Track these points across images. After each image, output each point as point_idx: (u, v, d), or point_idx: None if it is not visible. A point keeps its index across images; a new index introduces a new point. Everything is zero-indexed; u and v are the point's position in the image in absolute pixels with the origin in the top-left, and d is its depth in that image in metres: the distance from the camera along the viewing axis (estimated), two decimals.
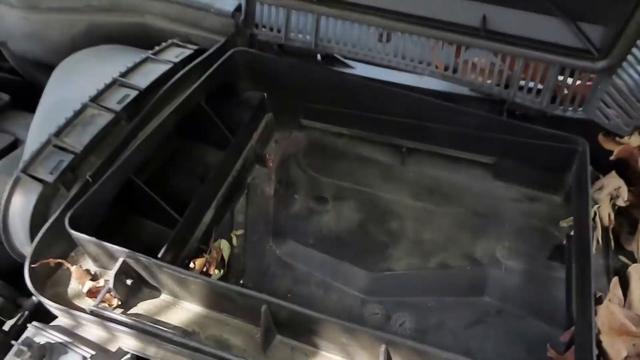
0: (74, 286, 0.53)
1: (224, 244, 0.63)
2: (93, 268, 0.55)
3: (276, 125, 0.75)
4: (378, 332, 0.43)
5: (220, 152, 0.68)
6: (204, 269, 0.59)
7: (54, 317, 0.51)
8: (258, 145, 0.72)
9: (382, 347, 0.45)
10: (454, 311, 0.59)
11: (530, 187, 0.69)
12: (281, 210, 0.67)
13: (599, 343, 0.49)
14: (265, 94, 0.73)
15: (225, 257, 0.62)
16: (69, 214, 0.50)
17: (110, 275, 0.48)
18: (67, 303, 0.51)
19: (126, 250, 0.48)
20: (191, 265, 0.58)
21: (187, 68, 0.66)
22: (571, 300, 0.55)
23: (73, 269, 0.52)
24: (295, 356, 0.49)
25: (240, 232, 0.65)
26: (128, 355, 0.47)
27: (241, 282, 0.60)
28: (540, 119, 0.66)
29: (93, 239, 0.49)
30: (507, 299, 0.60)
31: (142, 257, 0.48)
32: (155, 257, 0.54)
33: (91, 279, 0.52)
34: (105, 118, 0.58)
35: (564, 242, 0.64)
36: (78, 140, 0.56)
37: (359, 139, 0.73)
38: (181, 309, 0.52)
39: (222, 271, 0.60)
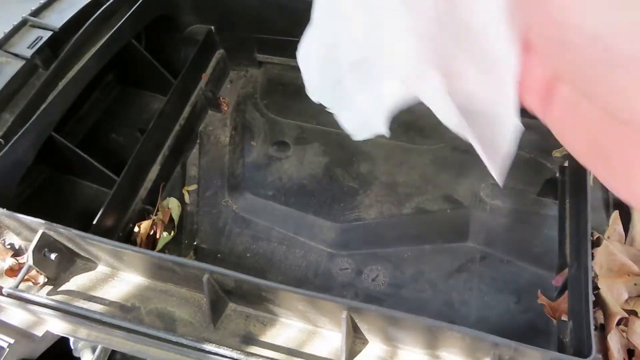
0: None
1: (172, 203, 0.56)
2: (18, 241, 0.48)
3: (229, 63, 0.66)
4: (337, 298, 0.37)
5: (163, 99, 0.59)
6: (151, 232, 0.53)
7: None
8: (209, 88, 0.63)
9: (344, 314, 0.39)
10: (433, 260, 0.53)
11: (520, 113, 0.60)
12: (237, 160, 0.60)
13: (595, 288, 0.44)
14: (213, 27, 0.63)
15: (175, 217, 0.55)
16: None
17: (29, 251, 0.42)
18: None
19: (43, 221, 0.41)
20: (135, 229, 0.52)
21: (112, 0, 0.56)
22: (565, 239, 0.48)
23: None
24: (250, 325, 0.43)
25: (193, 187, 0.58)
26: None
27: (195, 243, 0.54)
28: None
29: (4, 210, 0.42)
30: (492, 243, 0.53)
31: (62, 229, 0.41)
32: (88, 225, 0.47)
33: (14, 255, 0.46)
34: (14, 66, 0.50)
35: (557, 174, 0.57)
36: None
37: None
38: (120, 282, 0.46)
39: (172, 233, 0.53)
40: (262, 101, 0.64)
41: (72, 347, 0.58)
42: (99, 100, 0.61)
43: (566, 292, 0.49)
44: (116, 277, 0.46)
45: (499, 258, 0.53)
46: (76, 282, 0.45)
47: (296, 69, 0.61)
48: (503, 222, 0.54)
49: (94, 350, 0.58)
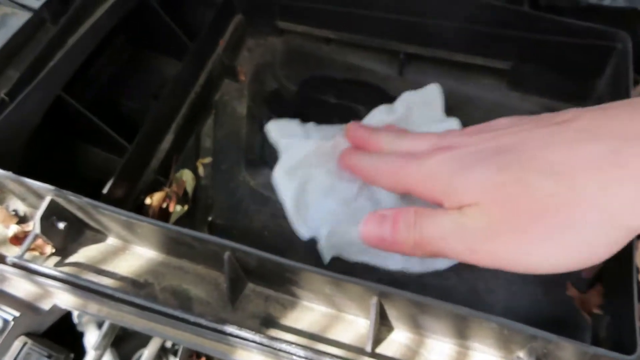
0: (0, 231, 0.44)
1: (187, 175, 0.53)
2: (23, 208, 0.45)
3: (248, 29, 0.62)
4: (369, 283, 0.35)
5: (179, 63, 0.55)
6: (164, 205, 0.50)
7: None
8: (226, 55, 0.59)
9: (374, 300, 0.36)
10: None
11: (552, 98, 0.57)
12: (255, 133, 0.56)
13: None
14: None
15: (189, 190, 0.52)
16: None
17: (36, 218, 0.39)
18: None
19: (52, 187, 0.38)
20: (147, 201, 0.49)
21: None
22: None
23: None
24: (269, 308, 0.41)
25: (207, 160, 0.55)
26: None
27: (209, 218, 0.51)
28: (570, 10, 0.54)
29: (9, 173, 0.38)
30: None
31: (72, 196, 0.38)
32: (98, 194, 0.44)
33: (18, 222, 0.43)
34: (20, 18, 0.46)
35: None
36: None
37: (348, 45, 0.60)
38: (132, 255, 0.43)
39: (185, 207, 0.50)
40: (282, 72, 0.61)
41: (76, 321, 0.56)
42: (109, 62, 0.58)
43: (598, 285, 0.47)
44: (128, 250, 0.43)
45: None
46: (85, 254, 0.43)
47: (319, 39, 0.57)
48: None
49: (99, 325, 0.56)
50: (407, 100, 0.50)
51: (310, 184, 0.39)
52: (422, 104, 0.50)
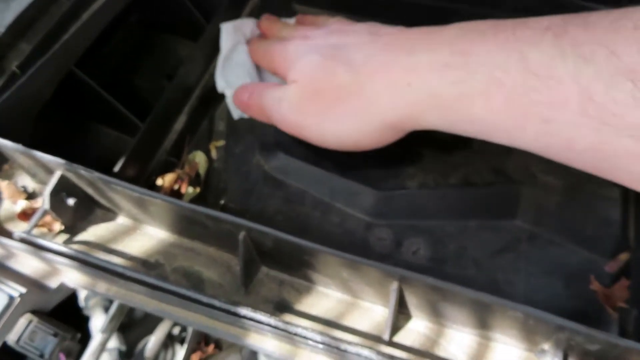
0: (7, 207, 0.42)
1: (199, 157, 0.51)
2: (32, 184, 0.44)
3: (263, 11, 0.61)
4: (390, 267, 0.33)
5: (194, 45, 0.54)
6: (175, 187, 0.48)
7: None
8: None
9: (394, 285, 0.35)
10: (478, 237, 0.48)
11: None
12: None
13: None
14: None
15: (202, 172, 0.51)
16: None
17: (45, 193, 0.38)
18: None
19: (62, 161, 0.37)
20: (159, 182, 0.47)
21: None
22: (628, 221, 0.44)
23: (3, 185, 0.42)
24: (283, 292, 0.39)
25: (220, 143, 0.54)
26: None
27: (222, 202, 0.50)
28: None
29: (18, 146, 0.37)
30: (542, 222, 0.49)
31: (84, 171, 0.36)
32: (108, 174, 0.43)
33: (27, 198, 0.42)
34: None
35: None
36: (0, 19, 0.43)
37: None
38: (143, 235, 0.42)
39: (197, 189, 0.49)
40: None
41: (82, 305, 0.54)
42: (122, 42, 0.56)
43: (622, 279, 0.45)
44: (138, 230, 0.42)
45: (548, 239, 0.49)
46: (94, 233, 0.41)
47: None
48: (555, 201, 0.50)
49: (105, 309, 0.55)
50: None
51: (235, 52, 0.49)
52: None
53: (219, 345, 0.54)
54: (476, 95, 0.30)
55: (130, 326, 0.64)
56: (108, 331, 0.47)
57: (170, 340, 0.63)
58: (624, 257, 0.46)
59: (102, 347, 0.45)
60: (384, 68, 0.34)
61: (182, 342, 0.63)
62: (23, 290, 0.34)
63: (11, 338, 0.34)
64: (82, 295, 0.56)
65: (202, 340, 0.56)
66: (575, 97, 0.25)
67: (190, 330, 0.56)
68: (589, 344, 0.33)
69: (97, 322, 0.54)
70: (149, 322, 0.65)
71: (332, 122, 0.38)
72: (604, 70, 0.24)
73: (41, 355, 0.34)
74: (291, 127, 0.40)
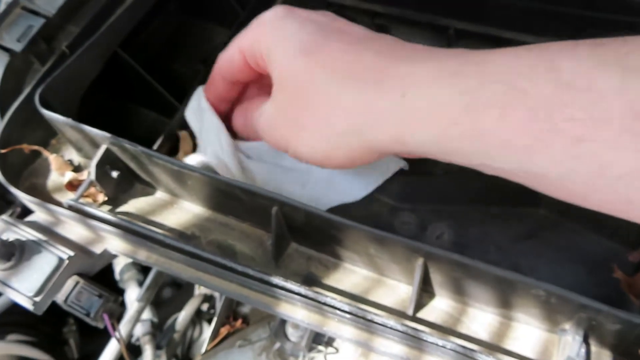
0: (55, 178, 0.45)
1: None
2: (77, 159, 0.46)
3: (296, 1, 0.63)
4: (416, 243, 0.35)
5: (229, 32, 0.56)
6: None
7: None
8: None
9: (420, 261, 0.36)
10: (501, 223, 0.49)
11: None
12: None
13: None
14: None
15: None
16: (39, 90, 0.41)
17: (92, 165, 0.40)
18: (45, 197, 0.43)
19: (109, 135, 0.39)
20: None
21: None
22: None
23: (52, 157, 0.44)
24: (311, 267, 0.41)
25: None
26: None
27: None
28: None
29: (68, 120, 0.40)
30: (566, 210, 0.50)
31: (128, 144, 0.39)
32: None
33: (73, 170, 0.44)
34: None
35: None
36: (51, 2, 0.46)
37: (395, 19, 0.60)
38: (180, 210, 0.44)
39: None
40: None
41: (118, 278, 0.57)
42: (161, 28, 0.59)
43: None
44: (175, 204, 0.44)
45: (571, 228, 0.49)
46: (135, 205, 0.44)
47: (367, 13, 0.57)
48: None
49: (139, 283, 0.57)
50: None
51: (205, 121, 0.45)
52: None
53: (246, 321, 0.57)
54: (489, 107, 0.25)
55: (159, 305, 0.67)
56: (144, 299, 0.49)
57: (197, 318, 0.66)
58: None
59: (139, 315, 0.47)
60: (366, 75, 0.30)
61: (209, 321, 0.66)
62: (71, 253, 0.36)
63: (59, 297, 0.36)
64: (117, 268, 0.59)
65: (230, 315, 0.59)
66: (618, 113, 0.22)
67: (219, 305, 0.58)
68: (610, 324, 0.34)
69: (132, 294, 0.56)
70: (178, 301, 0.68)
71: (307, 137, 0.34)
72: None
73: (87, 314, 0.36)
74: (271, 142, 0.37)
